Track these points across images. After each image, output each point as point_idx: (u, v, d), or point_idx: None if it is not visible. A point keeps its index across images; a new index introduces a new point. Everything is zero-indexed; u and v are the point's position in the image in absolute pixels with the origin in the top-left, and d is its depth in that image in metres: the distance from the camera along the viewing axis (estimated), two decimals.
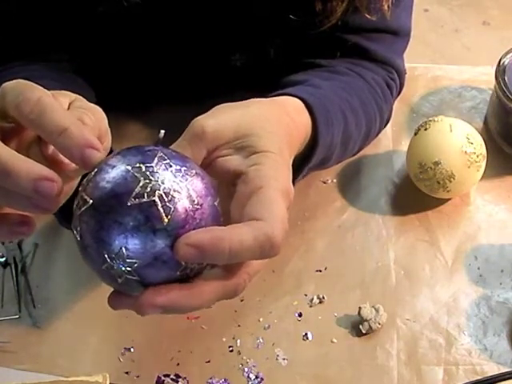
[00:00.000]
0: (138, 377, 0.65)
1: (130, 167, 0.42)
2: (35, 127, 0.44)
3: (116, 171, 0.42)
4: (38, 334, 0.68)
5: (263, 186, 0.47)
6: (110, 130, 0.50)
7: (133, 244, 0.41)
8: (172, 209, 0.42)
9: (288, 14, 0.68)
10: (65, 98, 0.48)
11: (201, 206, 0.43)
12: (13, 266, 0.72)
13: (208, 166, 0.50)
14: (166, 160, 0.43)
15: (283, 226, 0.45)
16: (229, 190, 0.49)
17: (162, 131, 0.46)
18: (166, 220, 0.41)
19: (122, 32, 0.71)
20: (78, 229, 0.43)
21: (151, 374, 0.66)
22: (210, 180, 0.45)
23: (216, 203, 0.45)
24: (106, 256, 0.42)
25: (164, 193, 0.42)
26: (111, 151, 0.48)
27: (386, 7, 0.69)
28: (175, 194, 0.42)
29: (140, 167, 0.42)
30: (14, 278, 0.71)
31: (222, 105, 0.52)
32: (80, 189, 0.44)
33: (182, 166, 0.43)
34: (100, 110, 0.50)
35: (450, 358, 0.66)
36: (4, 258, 0.73)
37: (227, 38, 0.73)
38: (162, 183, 0.42)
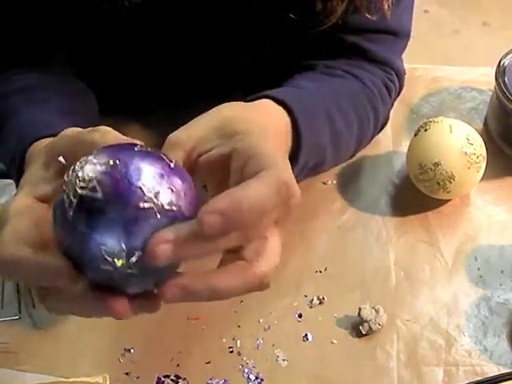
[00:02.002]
0: (137, 378, 0.65)
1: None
2: None
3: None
4: (38, 335, 0.68)
5: (256, 152, 0.46)
6: None
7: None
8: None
9: (288, 14, 0.68)
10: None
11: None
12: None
13: (193, 166, 0.49)
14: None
15: (288, 169, 0.45)
16: (225, 180, 0.48)
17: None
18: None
19: (123, 33, 0.71)
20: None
21: (151, 374, 0.66)
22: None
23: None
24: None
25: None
26: None
27: (386, 7, 0.69)
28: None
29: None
30: None
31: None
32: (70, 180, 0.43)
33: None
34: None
35: (449, 358, 0.66)
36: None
37: (227, 38, 0.73)
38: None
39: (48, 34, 0.71)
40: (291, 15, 0.68)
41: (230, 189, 0.43)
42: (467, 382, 0.64)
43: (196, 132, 0.49)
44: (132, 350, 0.67)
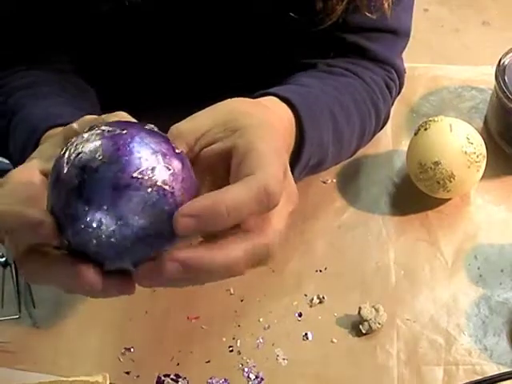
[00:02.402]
0: (138, 377, 0.65)
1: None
2: None
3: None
4: (38, 334, 0.68)
5: (254, 148, 0.45)
6: None
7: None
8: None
9: (288, 13, 0.68)
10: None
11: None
12: (13, 265, 0.72)
13: (195, 162, 0.48)
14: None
15: (276, 175, 0.44)
16: (226, 176, 0.48)
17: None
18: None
19: (123, 32, 0.71)
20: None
21: (151, 373, 0.66)
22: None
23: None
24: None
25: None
26: None
27: (386, 6, 0.69)
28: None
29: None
30: (14, 278, 0.71)
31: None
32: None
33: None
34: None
35: (449, 358, 0.66)
36: (4, 258, 0.73)
37: (227, 36, 0.73)
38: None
39: (49, 33, 0.71)
40: (292, 14, 0.68)
41: (211, 192, 0.43)
42: (467, 381, 0.64)
43: (199, 125, 0.49)
44: (132, 349, 0.67)
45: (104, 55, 0.75)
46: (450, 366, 0.65)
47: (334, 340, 0.67)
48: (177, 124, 0.49)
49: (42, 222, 0.43)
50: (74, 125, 0.50)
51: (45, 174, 0.48)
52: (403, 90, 0.81)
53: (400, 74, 0.78)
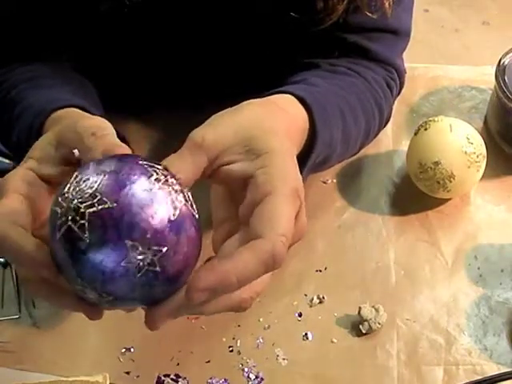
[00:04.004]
0: (138, 377, 0.65)
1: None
2: None
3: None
4: (38, 334, 0.68)
5: (271, 192, 0.47)
6: None
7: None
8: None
9: (289, 12, 0.68)
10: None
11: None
12: (13, 265, 0.72)
13: (212, 175, 0.50)
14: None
15: (285, 238, 0.46)
16: (241, 195, 0.49)
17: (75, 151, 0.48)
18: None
19: (123, 32, 0.71)
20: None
21: (151, 373, 0.66)
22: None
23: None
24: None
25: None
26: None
27: (386, 5, 0.69)
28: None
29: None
30: (14, 278, 0.71)
31: (217, 114, 0.52)
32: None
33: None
34: (109, 124, 0.51)
35: (450, 358, 0.66)
36: (4, 258, 0.73)
37: (229, 36, 0.73)
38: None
39: (48, 31, 0.71)
40: (292, 14, 0.68)
41: (220, 261, 0.45)
42: (467, 381, 0.64)
43: (222, 138, 0.49)
44: (132, 349, 0.67)
45: (103, 54, 0.75)
46: (450, 366, 0.65)
47: (334, 340, 0.67)
48: (198, 130, 0.50)
49: (41, 262, 0.45)
50: (64, 131, 0.52)
51: (42, 177, 0.50)
52: (403, 90, 0.81)
53: (400, 73, 0.78)
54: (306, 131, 0.60)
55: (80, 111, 0.59)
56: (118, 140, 0.49)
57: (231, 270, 0.44)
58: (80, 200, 0.42)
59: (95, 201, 0.42)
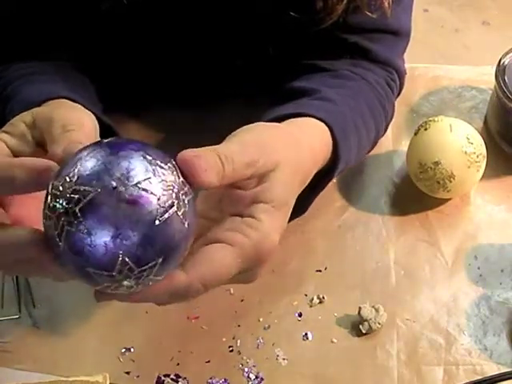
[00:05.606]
0: (138, 377, 0.65)
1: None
2: None
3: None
4: (38, 334, 0.68)
5: (231, 240, 0.48)
6: None
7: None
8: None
9: (289, 12, 0.68)
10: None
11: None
12: None
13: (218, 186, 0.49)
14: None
15: (203, 288, 0.46)
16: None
17: None
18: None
19: (123, 31, 0.71)
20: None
21: (151, 373, 0.66)
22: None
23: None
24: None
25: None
26: None
27: (386, 5, 0.69)
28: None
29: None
30: (14, 278, 0.71)
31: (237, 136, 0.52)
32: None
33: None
34: (88, 121, 0.50)
35: (449, 357, 0.66)
36: None
37: (228, 36, 0.73)
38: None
39: (48, 30, 0.71)
40: (292, 13, 0.68)
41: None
42: (467, 381, 0.64)
43: (242, 162, 0.49)
44: (132, 349, 0.67)
45: (104, 53, 0.75)
46: (450, 366, 0.65)
47: (334, 340, 0.67)
48: (229, 146, 0.49)
49: (29, 243, 0.45)
50: (40, 116, 0.51)
51: (14, 153, 0.49)
52: (403, 90, 0.81)
53: (401, 74, 0.78)
54: (329, 153, 0.63)
55: (70, 102, 0.59)
56: (82, 138, 0.48)
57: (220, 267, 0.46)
58: (67, 201, 0.42)
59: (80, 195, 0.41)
